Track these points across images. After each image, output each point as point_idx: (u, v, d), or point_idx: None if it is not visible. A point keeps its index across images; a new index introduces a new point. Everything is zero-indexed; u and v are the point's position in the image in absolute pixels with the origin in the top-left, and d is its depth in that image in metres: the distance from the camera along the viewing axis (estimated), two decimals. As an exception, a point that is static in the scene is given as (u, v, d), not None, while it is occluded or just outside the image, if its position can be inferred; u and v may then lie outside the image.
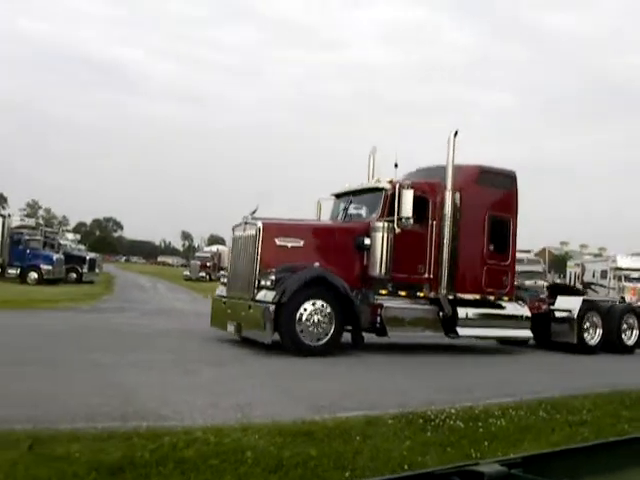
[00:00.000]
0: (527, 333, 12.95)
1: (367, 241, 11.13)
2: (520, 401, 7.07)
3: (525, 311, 12.95)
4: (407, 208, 11.13)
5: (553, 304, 14.12)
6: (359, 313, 10.74)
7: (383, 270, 11.09)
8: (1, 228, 28.27)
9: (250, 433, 4.97)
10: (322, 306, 10.40)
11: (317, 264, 10.69)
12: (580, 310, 13.62)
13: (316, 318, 10.32)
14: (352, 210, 12.21)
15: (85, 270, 32.85)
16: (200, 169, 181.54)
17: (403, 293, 11.63)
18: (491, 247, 12.50)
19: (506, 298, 12.68)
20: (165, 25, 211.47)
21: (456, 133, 11.79)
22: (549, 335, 14.02)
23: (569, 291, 16.01)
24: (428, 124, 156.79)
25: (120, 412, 5.58)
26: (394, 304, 11.40)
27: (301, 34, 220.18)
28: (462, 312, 12.00)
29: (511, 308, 12.79)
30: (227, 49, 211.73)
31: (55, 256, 29.91)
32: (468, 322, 12.06)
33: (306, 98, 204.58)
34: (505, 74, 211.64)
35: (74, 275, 32.02)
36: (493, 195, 12.72)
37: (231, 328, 10.85)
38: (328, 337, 10.44)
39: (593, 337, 13.71)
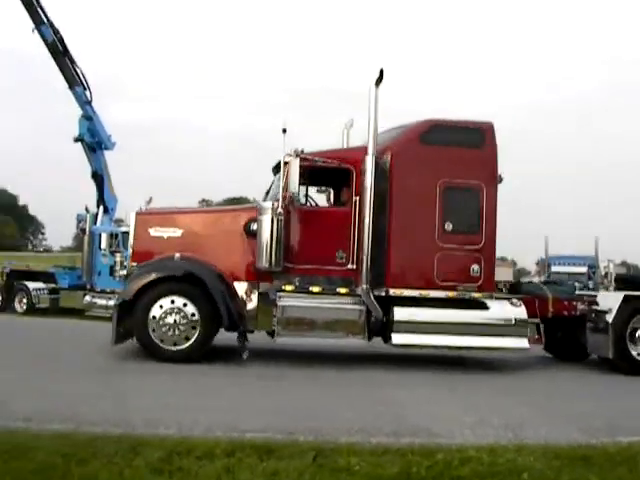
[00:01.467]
0: (518, 343, 9.42)
1: (254, 227, 9.20)
2: None
3: (517, 312, 9.46)
4: (293, 181, 8.90)
5: (597, 303, 10.15)
6: (231, 313, 8.92)
7: (271, 260, 8.97)
8: None
9: (524, 454, 4.90)
10: (183, 305, 8.86)
11: (177, 255, 9.15)
12: (620, 311, 9.55)
13: (172, 319, 8.81)
14: (274, 190, 10.17)
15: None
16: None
17: (316, 289, 9.33)
18: (448, 226, 9.37)
19: (478, 294, 9.40)
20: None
21: (381, 75, 9.13)
22: (584, 347, 10.16)
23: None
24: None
25: (392, 427, 5.72)
26: (295, 302, 9.20)
27: None
28: (400, 313, 9.21)
29: (496, 308, 9.49)
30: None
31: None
32: (410, 327, 9.21)
33: None
34: None
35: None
36: (451, 157, 9.49)
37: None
38: (191, 341, 8.85)
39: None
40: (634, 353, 9.55)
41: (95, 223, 18.39)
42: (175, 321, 8.81)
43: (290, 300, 9.18)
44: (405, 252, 9.39)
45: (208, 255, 9.34)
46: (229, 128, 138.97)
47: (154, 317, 8.80)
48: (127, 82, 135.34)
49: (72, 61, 19.30)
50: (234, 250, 9.40)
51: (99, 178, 20.34)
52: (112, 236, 17.17)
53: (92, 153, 20.22)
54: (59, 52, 18.72)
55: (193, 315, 8.87)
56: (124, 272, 9.29)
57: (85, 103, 19.54)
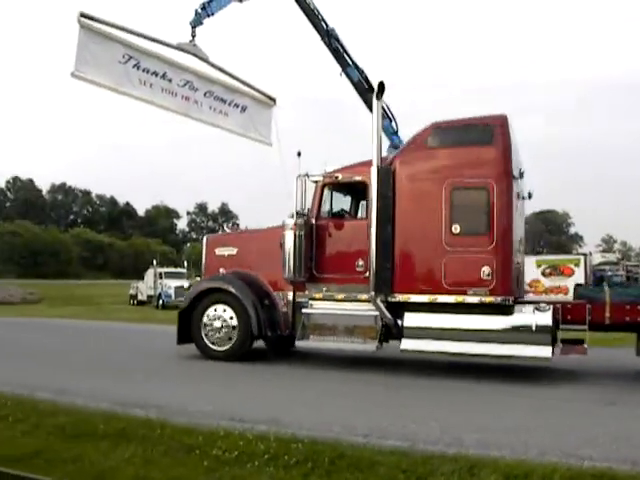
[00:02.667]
0: (537, 352, 8.55)
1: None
2: None
3: (539, 319, 8.63)
4: (307, 199, 9.85)
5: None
6: (261, 319, 10.08)
7: (292, 271, 9.95)
8: (584, 266, 27.45)
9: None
10: (223, 311, 10.37)
11: (222, 270, 10.65)
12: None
13: (217, 324, 10.38)
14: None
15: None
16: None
17: (340, 296, 9.92)
18: (456, 228, 9.03)
19: (490, 299, 8.81)
20: None
21: (381, 88, 9.44)
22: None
23: None
24: None
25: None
26: (315, 310, 9.94)
27: None
28: (410, 319, 9.24)
29: (516, 314, 8.82)
30: None
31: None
32: (417, 332, 9.16)
33: None
34: None
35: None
36: (458, 158, 9.15)
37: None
38: (232, 343, 10.28)
39: None
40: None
41: None
42: (220, 326, 10.40)
43: (312, 308, 9.99)
44: (411, 257, 9.38)
45: (255, 269, 10.70)
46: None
47: (205, 323, 10.53)
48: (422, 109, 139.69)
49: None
50: (274, 264, 10.51)
51: None
52: None
53: None
54: (365, 89, 18.76)
55: (232, 319, 10.33)
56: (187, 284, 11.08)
57: (392, 134, 18.91)
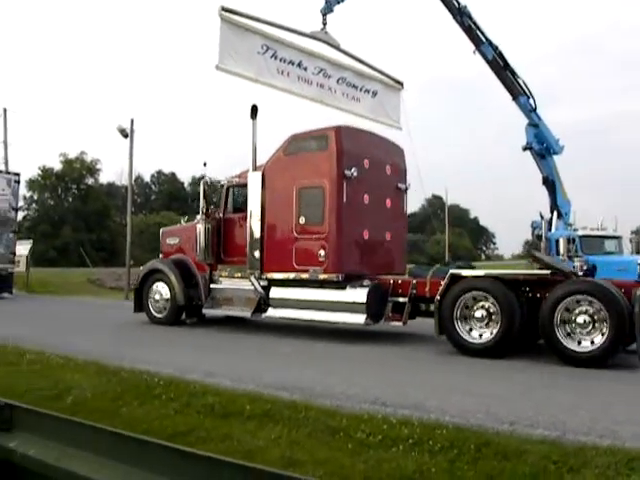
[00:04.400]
0: (357, 319, 10.71)
1: (198, 232, 13.12)
2: None
3: (356, 294, 10.78)
4: (200, 200, 12.56)
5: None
6: (183, 293, 13.02)
7: (201, 256, 12.82)
8: None
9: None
10: (162, 287, 13.40)
11: (156, 260, 13.86)
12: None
13: (157, 297, 13.44)
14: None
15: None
16: None
17: (237, 275, 12.55)
18: (301, 220, 11.26)
19: (324, 276, 10.98)
20: None
21: (254, 110, 11.87)
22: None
23: None
24: None
25: None
26: (219, 285, 12.69)
27: None
28: (273, 292, 11.72)
29: (348, 290, 10.94)
30: None
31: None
32: (278, 303, 11.58)
33: None
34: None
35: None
36: (303, 163, 11.33)
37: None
38: (166, 312, 13.29)
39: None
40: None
41: (550, 229, 19.10)
42: (158, 298, 13.42)
43: (218, 284, 12.75)
44: (274, 244, 11.78)
45: (188, 255, 13.56)
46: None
47: (150, 296, 13.60)
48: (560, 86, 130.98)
49: (513, 73, 19.69)
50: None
51: (550, 183, 20.20)
52: (569, 241, 17.06)
53: (541, 159, 20.19)
54: (500, 67, 19.32)
55: (166, 293, 13.31)
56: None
57: (530, 111, 19.69)
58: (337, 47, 13.27)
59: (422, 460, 4.51)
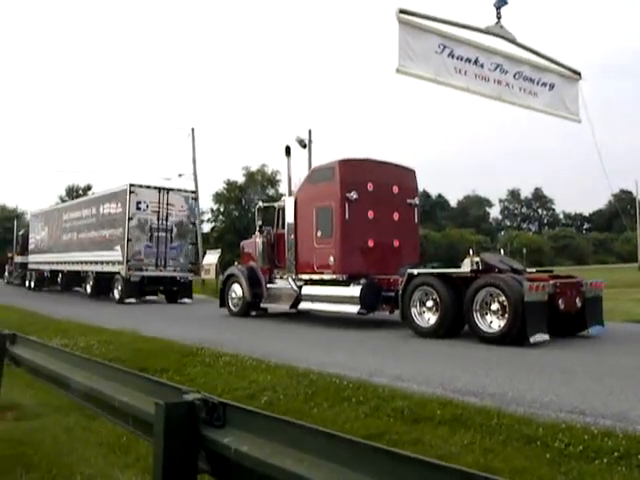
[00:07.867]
0: (353, 309, 13.70)
1: (259, 243, 16.90)
2: None
3: (352, 290, 13.75)
4: (256, 219, 16.37)
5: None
6: (250, 292, 16.77)
7: (260, 262, 16.57)
8: None
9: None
10: (237, 288, 17.31)
11: (236, 263, 17.65)
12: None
13: (234, 295, 17.39)
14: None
15: None
16: None
17: (285, 277, 16.07)
18: (318, 233, 14.51)
19: (333, 276, 14.11)
20: None
21: (288, 150, 15.40)
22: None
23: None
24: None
25: None
26: (272, 285, 16.29)
27: None
28: (304, 290, 15.06)
29: (351, 287, 13.94)
30: None
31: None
32: (307, 298, 14.92)
33: None
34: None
35: None
36: (320, 189, 14.59)
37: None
38: (239, 306, 17.17)
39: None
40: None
41: None
42: (235, 296, 17.33)
43: (272, 284, 16.39)
44: (303, 252, 15.14)
45: (255, 261, 17.35)
46: None
47: (228, 294, 17.56)
48: None
49: None
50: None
51: None
52: None
53: None
54: None
55: (239, 292, 17.16)
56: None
57: None
58: (513, 41, 12.89)
59: (631, 477, 4.25)
